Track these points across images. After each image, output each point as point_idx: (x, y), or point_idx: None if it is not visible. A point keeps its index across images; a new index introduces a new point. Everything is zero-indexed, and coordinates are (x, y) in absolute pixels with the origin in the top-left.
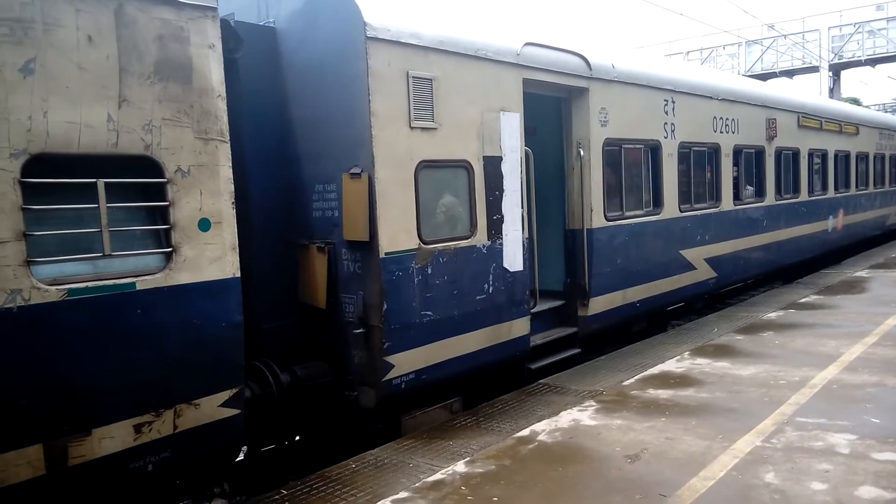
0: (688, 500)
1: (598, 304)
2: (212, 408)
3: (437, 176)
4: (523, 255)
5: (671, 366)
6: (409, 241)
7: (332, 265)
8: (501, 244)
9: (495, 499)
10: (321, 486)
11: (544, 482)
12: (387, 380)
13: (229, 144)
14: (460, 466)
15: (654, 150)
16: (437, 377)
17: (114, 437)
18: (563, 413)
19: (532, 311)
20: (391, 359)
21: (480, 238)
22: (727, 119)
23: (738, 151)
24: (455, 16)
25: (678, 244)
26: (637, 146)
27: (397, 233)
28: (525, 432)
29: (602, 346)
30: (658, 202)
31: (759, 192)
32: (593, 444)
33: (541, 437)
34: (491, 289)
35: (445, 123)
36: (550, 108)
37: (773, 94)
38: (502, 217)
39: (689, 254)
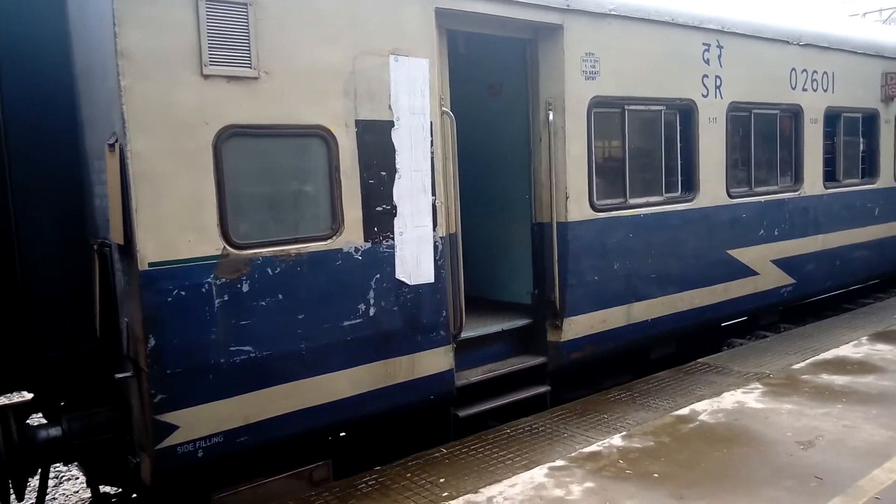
0: (871, 492)
1: (579, 326)
2: None
3: (262, 149)
4: (436, 261)
5: (847, 351)
6: (200, 246)
7: (108, 276)
8: (392, 246)
9: (655, 475)
10: (479, 446)
11: (707, 462)
12: (165, 447)
13: None
14: (617, 440)
15: (686, 113)
16: (272, 438)
17: None
18: (725, 394)
19: (460, 337)
20: (170, 417)
21: (350, 238)
22: (815, 72)
23: (833, 116)
24: None
25: (725, 242)
26: (653, 108)
27: (176, 233)
28: (684, 411)
29: (599, 379)
30: (690, 185)
31: (870, 171)
32: (760, 428)
33: (702, 417)
34: (372, 310)
35: (277, 70)
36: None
37: (893, 39)
38: (394, 208)
39: (745, 254)
